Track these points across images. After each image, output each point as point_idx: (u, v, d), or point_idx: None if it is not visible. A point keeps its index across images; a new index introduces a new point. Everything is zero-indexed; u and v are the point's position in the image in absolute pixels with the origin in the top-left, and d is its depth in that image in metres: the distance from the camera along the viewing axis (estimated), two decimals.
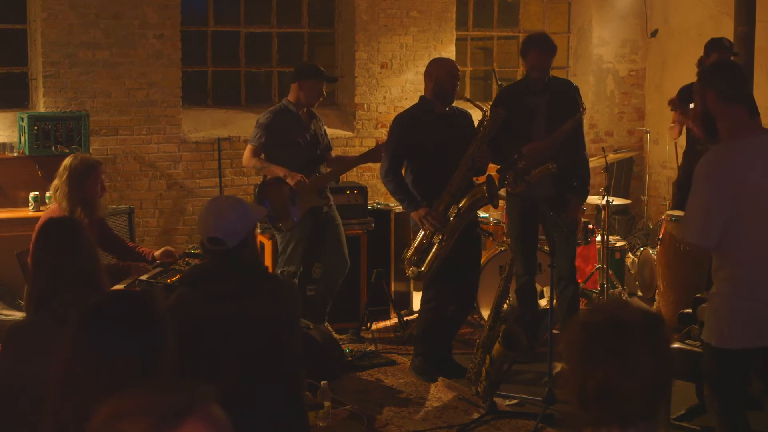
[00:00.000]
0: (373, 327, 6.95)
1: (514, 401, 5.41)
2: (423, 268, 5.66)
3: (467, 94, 8.69)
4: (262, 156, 6.27)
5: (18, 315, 6.04)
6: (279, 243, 6.38)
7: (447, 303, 5.85)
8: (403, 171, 5.86)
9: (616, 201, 7.90)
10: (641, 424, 1.98)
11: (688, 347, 4.92)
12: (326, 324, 6.34)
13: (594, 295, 7.39)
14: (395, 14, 8.73)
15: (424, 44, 8.84)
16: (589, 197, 7.54)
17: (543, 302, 6.48)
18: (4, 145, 7.21)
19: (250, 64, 8.63)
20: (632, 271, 7.87)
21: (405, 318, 7.01)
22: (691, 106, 6.72)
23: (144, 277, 5.10)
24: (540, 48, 5.93)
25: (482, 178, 5.80)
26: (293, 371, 3.33)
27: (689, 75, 7.14)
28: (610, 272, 7.30)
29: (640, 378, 1.97)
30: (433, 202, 5.65)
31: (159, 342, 2.17)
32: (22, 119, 6.96)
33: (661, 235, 6.97)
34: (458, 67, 5.96)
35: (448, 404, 5.46)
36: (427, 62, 6.09)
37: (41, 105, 7.55)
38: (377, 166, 6.20)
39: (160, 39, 7.84)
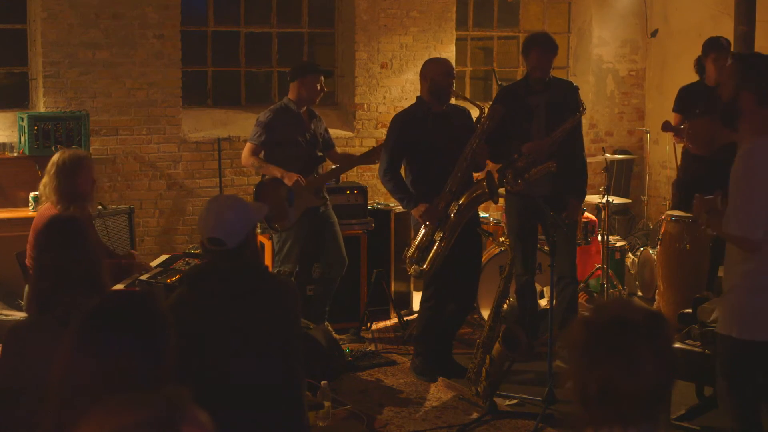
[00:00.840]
0: (373, 327, 6.95)
1: (514, 401, 5.42)
2: (425, 266, 5.67)
3: (467, 94, 8.69)
4: (261, 155, 6.28)
5: (18, 315, 6.04)
6: (275, 243, 6.38)
7: (446, 302, 5.85)
8: (402, 171, 5.86)
9: (616, 201, 7.90)
10: (643, 424, 1.98)
11: (689, 347, 4.93)
12: (326, 324, 6.34)
13: (595, 294, 7.39)
14: (395, 14, 8.73)
15: (424, 44, 8.84)
16: (589, 197, 7.55)
17: (543, 302, 6.48)
18: (4, 145, 7.21)
19: (250, 64, 8.63)
20: (632, 271, 7.87)
21: (405, 318, 7.02)
22: (683, 126, 6.76)
23: (144, 277, 5.10)
24: (542, 48, 5.94)
25: (481, 175, 5.81)
26: (293, 371, 3.33)
27: (689, 75, 7.15)
28: (611, 272, 7.30)
29: (642, 378, 1.97)
30: (434, 200, 5.65)
31: (160, 342, 2.17)
32: (22, 119, 6.96)
33: (661, 235, 6.97)
34: (456, 66, 5.96)
35: (448, 404, 5.46)
36: None
37: (41, 105, 7.55)
38: (377, 166, 6.20)
39: (160, 39, 7.84)
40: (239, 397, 3.11)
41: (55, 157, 5.19)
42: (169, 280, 4.99)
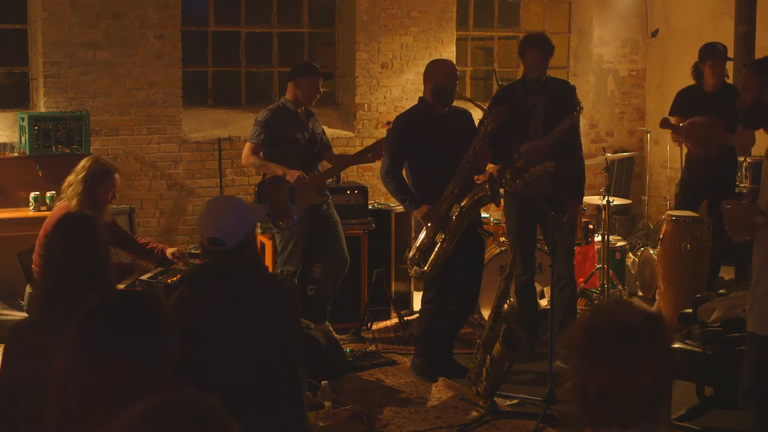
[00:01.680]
0: (374, 327, 6.95)
1: (515, 401, 5.41)
2: (426, 268, 5.67)
3: (468, 94, 8.70)
4: (261, 154, 6.28)
5: (18, 315, 6.04)
6: (278, 242, 6.38)
7: (448, 303, 5.85)
8: (404, 173, 5.86)
9: (617, 201, 7.91)
10: (642, 425, 1.98)
11: (689, 347, 4.93)
12: (327, 324, 6.35)
13: (594, 294, 7.39)
14: (396, 14, 8.73)
15: (425, 44, 8.84)
16: (589, 197, 7.55)
17: (543, 302, 6.48)
18: (4, 145, 7.21)
19: (251, 64, 8.64)
20: (633, 271, 7.87)
21: (405, 318, 7.01)
22: (681, 124, 6.77)
23: (144, 277, 5.11)
24: (538, 48, 5.95)
25: (483, 177, 5.81)
26: (293, 371, 3.33)
27: (690, 75, 7.15)
28: (611, 272, 7.30)
29: (642, 380, 1.97)
30: (436, 202, 5.65)
31: (163, 342, 2.17)
32: (23, 119, 6.96)
33: (661, 235, 6.97)
34: (457, 67, 5.96)
35: (448, 404, 5.46)
36: (427, 62, 6.10)
37: (42, 105, 7.56)
38: (377, 166, 6.20)
39: (160, 39, 7.84)
40: (239, 397, 3.11)
41: (88, 162, 5.24)
42: (169, 280, 4.99)
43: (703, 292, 5.78)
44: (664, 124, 6.96)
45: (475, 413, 5.28)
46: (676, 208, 7.21)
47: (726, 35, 7.11)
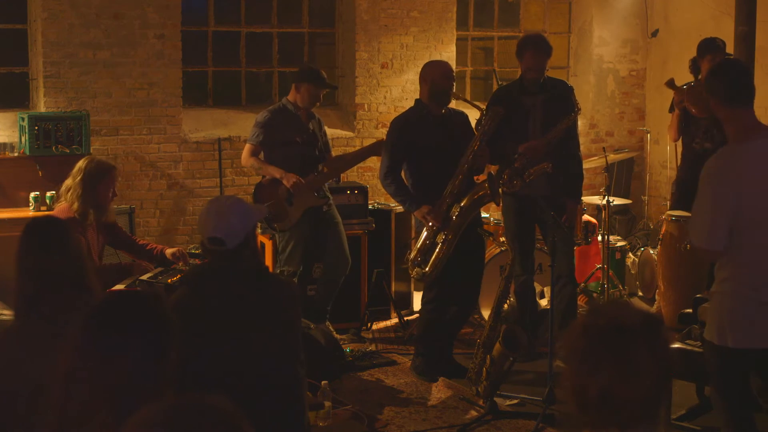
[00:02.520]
0: (374, 327, 6.95)
1: (515, 401, 5.42)
2: (427, 269, 5.67)
3: (467, 95, 8.70)
4: (261, 155, 6.28)
5: None
6: (279, 243, 6.38)
7: (448, 303, 5.85)
8: (402, 175, 5.86)
9: (617, 201, 7.91)
10: (641, 426, 1.98)
11: (689, 347, 4.92)
12: (327, 324, 6.35)
13: (594, 294, 7.39)
14: (396, 14, 8.73)
15: (425, 44, 8.84)
16: (589, 197, 7.55)
17: (543, 302, 6.48)
18: (4, 145, 7.21)
19: (251, 64, 8.63)
20: (633, 271, 7.87)
21: (405, 318, 7.02)
22: (685, 87, 6.77)
23: (144, 277, 5.11)
24: (535, 49, 5.95)
25: (482, 177, 5.81)
26: (294, 371, 3.33)
27: (690, 75, 7.15)
28: (611, 272, 7.30)
29: (640, 381, 1.97)
30: (435, 203, 5.65)
31: (165, 342, 2.17)
32: (23, 119, 6.96)
33: (661, 235, 6.98)
34: (457, 66, 5.97)
35: (448, 404, 5.46)
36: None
37: (42, 105, 7.56)
38: (377, 166, 6.20)
39: (160, 39, 7.84)
40: (239, 397, 3.11)
41: (83, 163, 5.30)
42: (169, 280, 4.99)
43: (703, 292, 5.77)
44: (670, 84, 6.96)
45: (475, 413, 5.29)
46: (673, 205, 7.20)
47: (726, 35, 7.10)
